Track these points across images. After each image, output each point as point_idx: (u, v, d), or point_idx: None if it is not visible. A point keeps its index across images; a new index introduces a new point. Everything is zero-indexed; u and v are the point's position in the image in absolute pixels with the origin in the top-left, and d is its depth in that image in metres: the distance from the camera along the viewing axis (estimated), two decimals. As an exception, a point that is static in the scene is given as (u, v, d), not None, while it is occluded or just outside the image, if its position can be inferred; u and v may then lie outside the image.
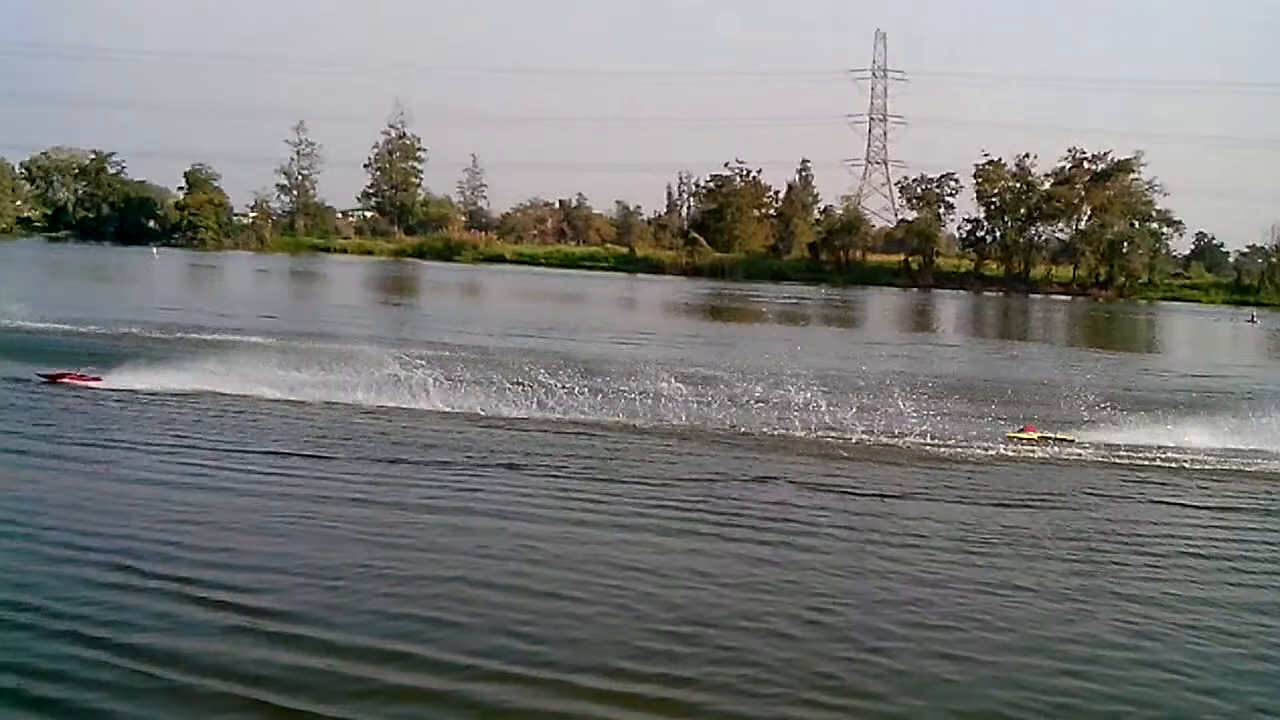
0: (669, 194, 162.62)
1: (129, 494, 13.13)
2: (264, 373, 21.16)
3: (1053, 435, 19.64)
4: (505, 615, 9.34)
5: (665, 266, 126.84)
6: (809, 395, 19.91)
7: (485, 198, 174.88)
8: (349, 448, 16.25)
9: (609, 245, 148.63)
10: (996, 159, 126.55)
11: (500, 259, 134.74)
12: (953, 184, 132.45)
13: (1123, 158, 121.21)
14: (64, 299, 41.33)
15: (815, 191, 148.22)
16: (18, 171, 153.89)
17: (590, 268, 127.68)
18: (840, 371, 26.32)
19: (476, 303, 66.96)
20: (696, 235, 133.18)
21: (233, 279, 77.36)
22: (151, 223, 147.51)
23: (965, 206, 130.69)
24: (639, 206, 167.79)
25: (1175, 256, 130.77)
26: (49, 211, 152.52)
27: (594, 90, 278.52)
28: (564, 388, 20.97)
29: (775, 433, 19.08)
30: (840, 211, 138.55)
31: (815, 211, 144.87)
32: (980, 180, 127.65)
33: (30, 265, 77.00)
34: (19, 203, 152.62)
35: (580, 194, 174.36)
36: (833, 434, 18.93)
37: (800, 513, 13.67)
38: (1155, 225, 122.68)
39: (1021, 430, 19.69)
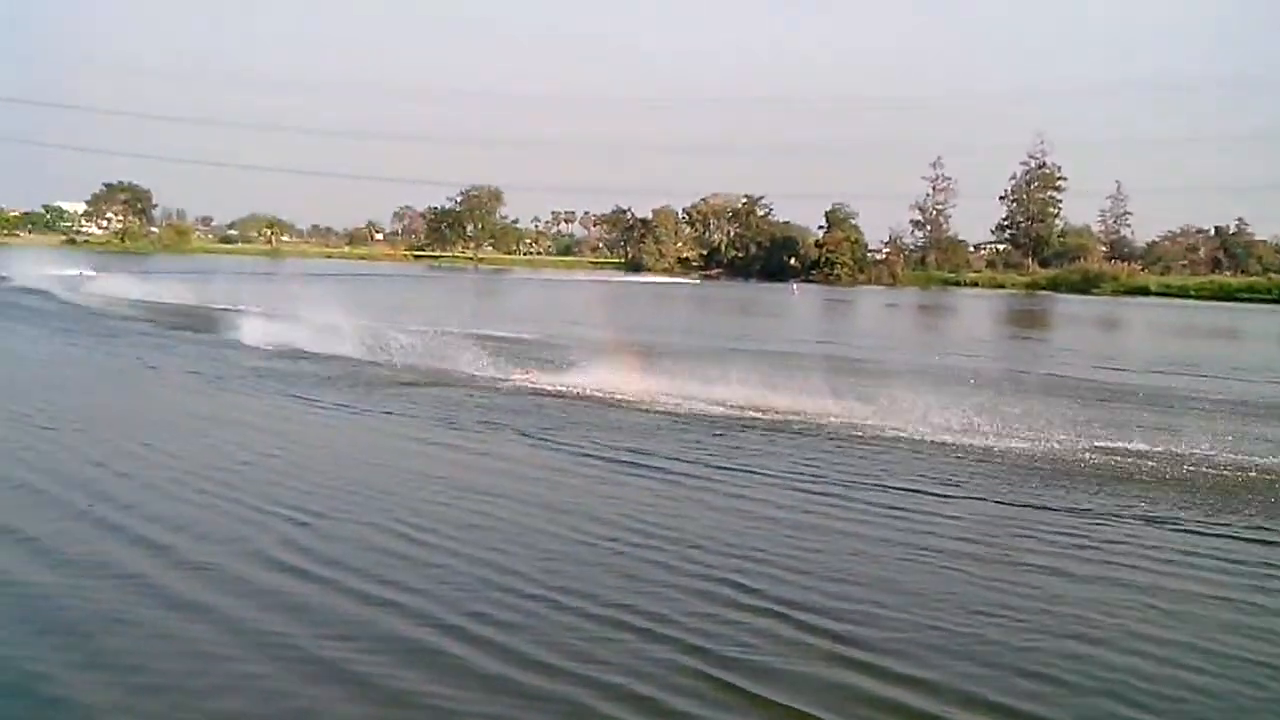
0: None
1: (743, 513, 13.34)
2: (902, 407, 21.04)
3: None
4: (1117, 681, 8.19)
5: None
6: None
7: (1129, 226, 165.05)
8: (967, 487, 15.42)
9: (1274, 275, 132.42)
10: None
11: (1143, 291, 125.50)
12: None
13: None
14: (716, 330, 44.78)
15: None
16: (681, 217, 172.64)
17: (1249, 300, 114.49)
18: None
19: (1114, 337, 62.54)
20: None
21: (865, 313, 79.47)
22: (793, 260, 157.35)
23: None
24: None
25: None
26: (704, 252, 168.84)
27: (1251, 103, 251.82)
28: (1214, 433, 18.58)
29: None
30: None
31: None
32: None
33: (688, 301, 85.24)
34: (679, 244, 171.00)
35: (1240, 219, 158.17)
36: None
37: None
38: None
39: None
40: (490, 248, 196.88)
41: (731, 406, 21.83)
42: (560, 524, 12.64)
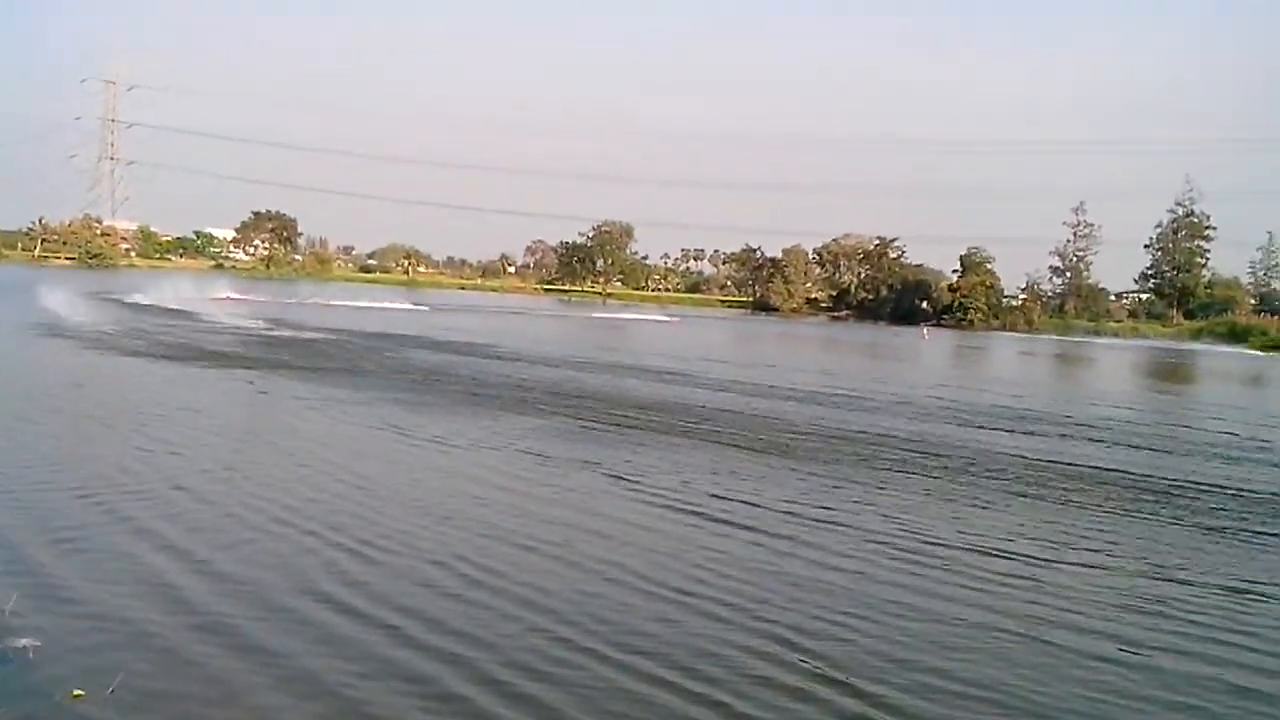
0: None
1: (815, 574, 12.17)
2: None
3: None
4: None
5: None
6: None
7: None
8: (1087, 549, 14.13)
9: None
10: None
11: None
12: None
13: None
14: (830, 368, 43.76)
15: None
16: (811, 257, 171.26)
17: None
18: None
19: (1262, 394, 58.82)
20: None
21: (998, 360, 76.90)
22: (924, 304, 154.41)
23: None
24: None
25: None
26: (833, 293, 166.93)
27: None
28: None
29: None
30: None
31: None
32: None
33: (807, 341, 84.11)
34: (808, 285, 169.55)
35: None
36: None
37: None
38: None
39: None
40: (619, 283, 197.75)
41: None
42: (627, 570, 11.88)
